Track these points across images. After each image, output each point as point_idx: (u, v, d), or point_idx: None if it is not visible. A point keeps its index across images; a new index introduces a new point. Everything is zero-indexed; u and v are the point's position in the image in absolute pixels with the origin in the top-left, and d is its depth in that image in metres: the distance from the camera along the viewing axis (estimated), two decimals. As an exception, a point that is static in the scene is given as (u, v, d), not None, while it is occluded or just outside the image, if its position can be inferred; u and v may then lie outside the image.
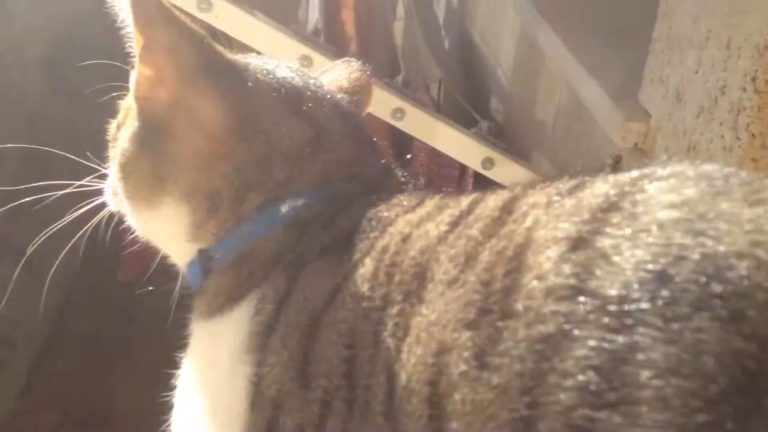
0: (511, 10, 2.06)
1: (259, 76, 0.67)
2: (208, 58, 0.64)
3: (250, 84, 0.66)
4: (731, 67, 0.99)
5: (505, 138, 1.87)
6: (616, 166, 1.33)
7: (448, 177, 1.68)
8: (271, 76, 0.67)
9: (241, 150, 0.64)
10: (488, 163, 1.29)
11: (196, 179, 0.65)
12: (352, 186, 0.65)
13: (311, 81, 0.70)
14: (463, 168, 1.63)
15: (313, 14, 2.09)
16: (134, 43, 0.65)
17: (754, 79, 0.93)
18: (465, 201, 0.55)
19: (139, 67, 0.64)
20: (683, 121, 1.11)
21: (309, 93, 0.68)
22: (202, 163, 0.65)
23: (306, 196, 0.63)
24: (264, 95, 0.66)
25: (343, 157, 0.66)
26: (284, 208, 0.63)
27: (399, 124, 1.26)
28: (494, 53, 2.22)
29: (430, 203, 0.57)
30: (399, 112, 1.24)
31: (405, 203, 0.59)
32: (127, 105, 0.70)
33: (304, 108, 0.67)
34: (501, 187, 0.63)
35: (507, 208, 0.49)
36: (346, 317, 0.53)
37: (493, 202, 0.51)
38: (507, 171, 1.30)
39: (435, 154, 1.69)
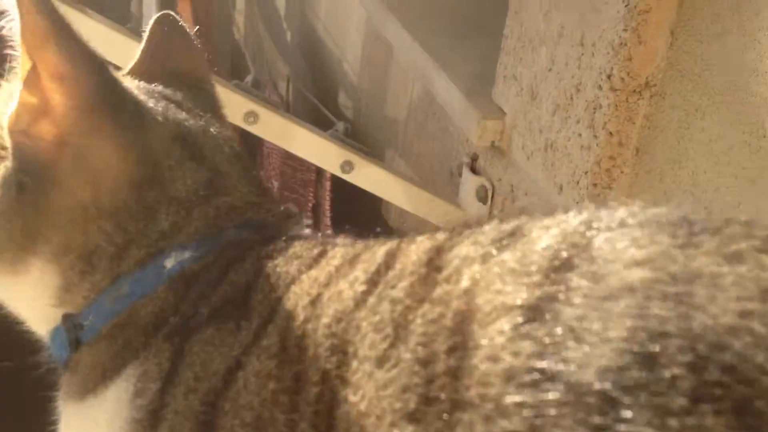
0: (356, 2, 2.02)
1: (153, 112, 0.57)
2: (106, 88, 0.54)
3: (147, 122, 0.56)
4: (586, 64, 0.98)
5: (357, 136, 1.82)
6: (473, 164, 1.32)
7: (305, 181, 1.62)
8: (165, 112, 0.58)
9: (131, 200, 0.54)
10: (347, 166, 1.24)
11: (73, 236, 0.54)
12: (246, 234, 0.56)
13: (202, 115, 0.61)
14: (320, 171, 1.57)
15: (149, 9, 1.95)
16: (16, 61, 0.53)
17: (609, 77, 0.93)
18: (379, 252, 0.46)
19: (22, 94, 0.52)
20: (539, 119, 1.10)
21: (204, 131, 0.59)
22: (83, 216, 0.54)
23: (193, 247, 0.54)
24: (162, 135, 0.57)
25: (238, 202, 0.57)
26: (169, 263, 0.53)
27: (252, 128, 1.18)
28: (340, 47, 2.17)
29: (336, 254, 0.49)
30: (252, 116, 1.16)
31: (305, 254, 0.51)
32: None
33: (202, 148, 0.58)
34: (362, 191, 0.58)
35: (434, 263, 0.42)
36: (250, 402, 0.44)
37: (415, 253, 0.44)
38: (367, 174, 1.26)
39: (288, 157, 1.62)
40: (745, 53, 0.79)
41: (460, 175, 1.35)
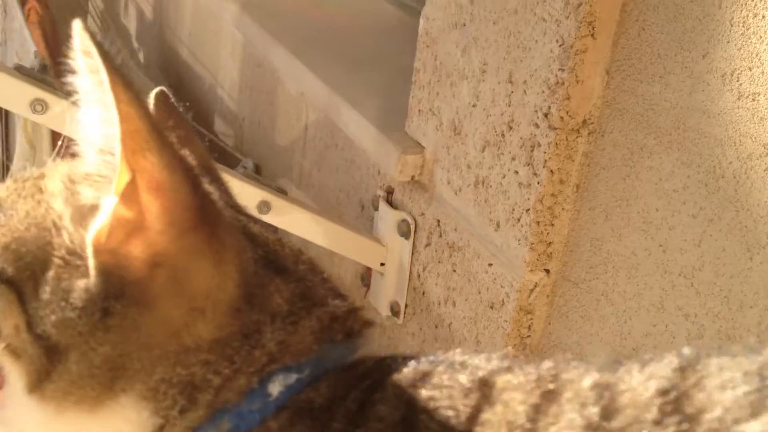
0: (227, 26, 1.93)
1: (236, 224, 0.50)
2: (203, 201, 0.46)
3: (237, 238, 0.49)
4: (517, 101, 0.98)
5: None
6: (389, 197, 1.29)
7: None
8: (240, 223, 0.51)
9: (234, 325, 0.47)
10: (264, 206, 1.18)
11: (172, 369, 0.46)
12: (350, 351, 0.49)
13: (254, 220, 0.54)
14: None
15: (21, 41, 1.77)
16: (111, 175, 0.45)
17: (546, 115, 0.94)
18: (584, 386, 0.41)
19: (117, 208, 0.44)
20: (465, 155, 1.09)
21: (274, 239, 0.53)
22: (182, 345, 0.46)
23: (299, 369, 0.47)
24: (250, 251, 0.49)
25: (335, 310, 0.51)
26: (274, 389, 0.46)
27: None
28: (212, 72, 2.08)
29: (511, 386, 0.43)
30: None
31: (460, 384, 0.44)
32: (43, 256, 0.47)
33: (282, 260, 0.51)
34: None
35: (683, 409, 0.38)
36: None
37: (643, 392, 0.39)
38: (284, 213, 1.20)
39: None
40: (692, 94, 0.81)
41: (375, 208, 1.32)
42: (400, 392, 0.45)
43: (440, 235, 1.17)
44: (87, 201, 0.47)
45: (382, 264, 1.30)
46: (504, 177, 1.02)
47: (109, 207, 0.45)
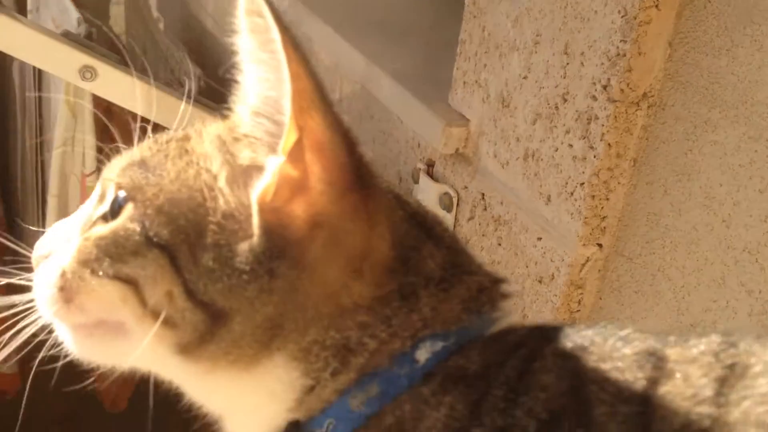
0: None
1: (387, 186, 0.50)
2: (360, 162, 0.46)
3: (389, 199, 0.49)
4: (573, 73, 0.97)
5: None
6: (430, 170, 1.28)
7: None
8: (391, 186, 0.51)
9: (391, 286, 0.47)
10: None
11: (328, 330, 0.46)
12: (492, 319, 0.49)
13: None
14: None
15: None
16: (265, 137, 0.45)
17: (606, 88, 0.92)
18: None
19: (283, 167, 0.44)
20: (514, 128, 1.08)
21: (419, 204, 0.53)
22: (339, 307, 0.46)
23: (446, 337, 0.46)
24: (402, 214, 0.49)
25: (484, 280, 0.50)
26: (421, 356, 0.45)
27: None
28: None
29: (682, 359, 0.41)
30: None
31: (623, 355, 0.43)
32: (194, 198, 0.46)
33: (431, 225, 0.51)
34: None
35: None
36: None
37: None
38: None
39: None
40: (761, 68, 0.79)
41: (415, 181, 1.31)
42: (562, 362, 0.44)
43: (485, 209, 1.16)
44: (243, 162, 0.47)
45: (422, 237, 1.29)
46: (557, 150, 1.01)
47: (275, 166, 0.45)
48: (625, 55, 0.90)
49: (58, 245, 0.51)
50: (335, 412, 0.46)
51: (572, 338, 0.45)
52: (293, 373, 0.47)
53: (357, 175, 0.46)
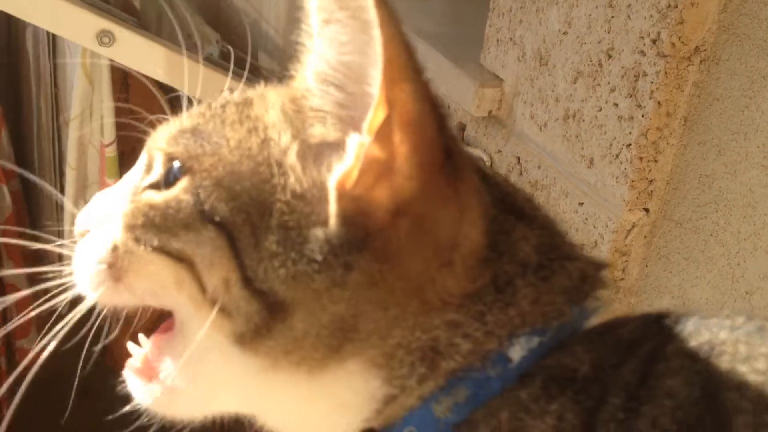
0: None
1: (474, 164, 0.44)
2: (448, 138, 0.41)
3: (479, 181, 0.43)
4: (619, 28, 0.91)
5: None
6: (461, 134, 1.23)
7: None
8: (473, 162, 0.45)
9: (485, 279, 0.41)
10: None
11: (410, 332, 0.40)
12: (592, 311, 0.43)
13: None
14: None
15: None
16: (335, 110, 0.39)
17: (655, 42, 0.86)
18: None
19: (370, 148, 0.39)
20: (553, 87, 1.02)
21: (501, 177, 0.47)
22: (425, 303, 0.40)
23: (542, 332, 0.40)
24: (488, 194, 0.43)
25: (586, 267, 0.44)
26: (515, 354, 0.40)
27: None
28: (255, 6, 2.00)
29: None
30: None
31: (757, 357, 0.37)
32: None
33: (521, 204, 0.45)
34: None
35: None
36: None
37: None
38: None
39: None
40: (831, 16, 0.73)
41: (445, 146, 1.26)
42: (689, 364, 0.38)
43: (521, 173, 1.11)
44: (313, 138, 0.41)
45: (453, 204, 1.25)
46: (600, 110, 0.95)
47: (358, 147, 0.39)
48: (676, 6, 0.84)
49: (102, 219, 0.46)
50: (417, 419, 0.40)
51: (695, 334, 0.40)
52: (373, 382, 0.41)
53: (447, 155, 0.40)
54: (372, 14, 0.36)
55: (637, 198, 0.94)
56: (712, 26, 0.85)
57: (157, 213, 0.42)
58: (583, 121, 0.98)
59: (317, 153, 0.41)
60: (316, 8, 0.39)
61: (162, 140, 0.45)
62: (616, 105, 0.93)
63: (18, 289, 2.01)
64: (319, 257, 0.40)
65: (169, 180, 0.44)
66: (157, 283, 0.43)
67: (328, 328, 0.40)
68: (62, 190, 1.68)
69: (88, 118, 1.37)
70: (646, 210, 0.95)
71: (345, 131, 0.40)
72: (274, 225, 0.40)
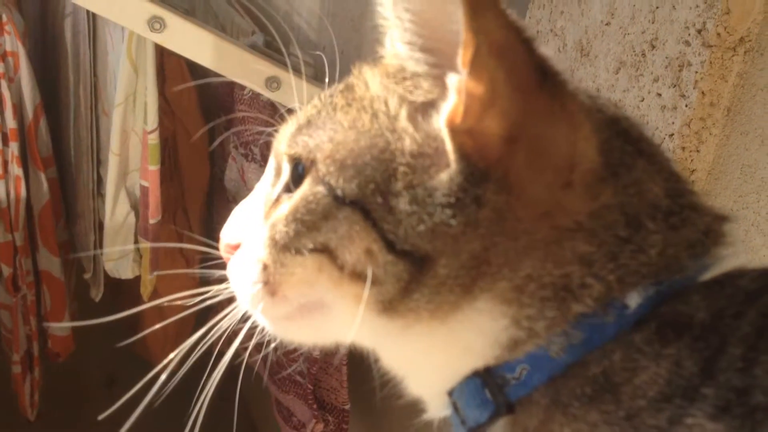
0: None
1: (579, 87, 0.45)
2: (540, 59, 0.42)
3: (584, 99, 0.44)
4: (664, 18, 0.92)
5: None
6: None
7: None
8: (593, 96, 0.47)
9: (611, 206, 0.41)
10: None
11: (542, 264, 0.41)
12: (712, 264, 0.43)
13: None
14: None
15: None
16: (428, 70, 0.42)
17: (700, 32, 0.87)
18: None
19: (467, 83, 0.40)
20: (595, 78, 1.03)
21: (616, 107, 0.47)
22: (554, 228, 0.41)
23: (659, 282, 0.41)
24: (598, 115, 0.44)
25: (708, 217, 0.44)
26: (632, 301, 0.40)
27: (274, 96, 1.05)
28: (288, 0, 2.02)
29: None
30: (275, 82, 1.03)
31: None
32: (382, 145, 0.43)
33: (638, 137, 0.46)
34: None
35: None
36: None
37: None
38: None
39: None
40: None
41: (482, 137, 1.27)
42: None
43: (559, 164, 1.12)
44: (417, 99, 0.44)
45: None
46: (642, 100, 0.96)
47: (457, 83, 0.41)
48: (723, -4, 0.84)
49: (247, 233, 0.48)
50: (531, 358, 0.41)
51: None
52: (501, 321, 0.42)
53: (543, 74, 0.42)
54: None
55: (679, 187, 0.94)
56: (757, 17, 0.86)
57: (298, 215, 0.44)
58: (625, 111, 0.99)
59: (423, 111, 0.43)
60: None
61: (283, 143, 0.48)
62: (659, 95, 0.94)
63: (52, 276, 2.04)
64: (452, 200, 0.41)
65: (297, 178, 0.46)
66: (305, 283, 0.45)
67: (465, 267, 0.41)
68: (99, 180, 1.70)
69: (131, 105, 1.39)
70: (687, 200, 0.96)
71: (443, 79, 0.42)
72: (401, 188, 0.42)
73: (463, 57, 0.40)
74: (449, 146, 0.42)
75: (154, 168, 1.44)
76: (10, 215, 1.70)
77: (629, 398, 0.38)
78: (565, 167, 0.42)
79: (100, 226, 1.65)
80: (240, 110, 1.66)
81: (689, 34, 0.89)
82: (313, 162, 0.45)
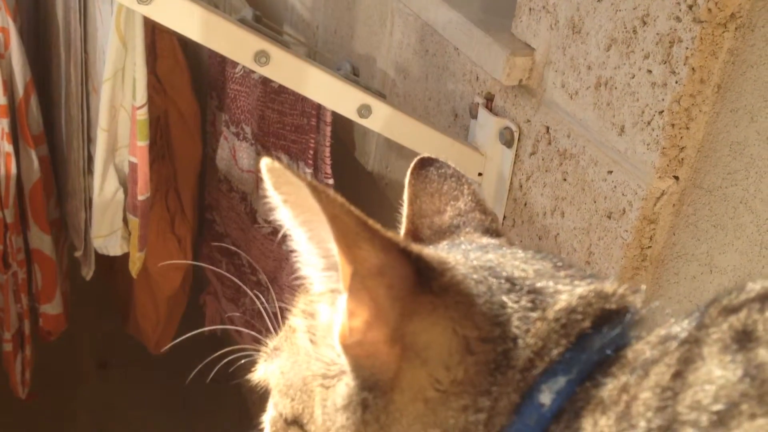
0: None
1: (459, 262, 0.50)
2: (418, 262, 0.46)
3: (462, 283, 0.47)
4: (654, -6, 0.91)
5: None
6: (489, 104, 1.23)
7: (297, 126, 1.48)
8: (472, 256, 0.51)
9: (480, 360, 0.45)
10: (365, 110, 1.13)
11: (431, 428, 0.45)
12: (613, 336, 0.45)
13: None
14: (320, 117, 1.44)
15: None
16: (324, 265, 0.48)
17: (691, 8, 0.87)
18: None
19: (348, 304, 0.45)
20: (586, 55, 1.03)
21: (502, 251, 0.52)
22: (434, 404, 0.45)
23: (563, 370, 0.43)
24: (474, 291, 0.47)
25: (576, 301, 0.47)
26: (545, 398, 0.43)
27: (263, 71, 1.05)
28: (283, -21, 2.01)
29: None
30: (263, 56, 1.03)
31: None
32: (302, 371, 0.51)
33: (510, 275, 0.49)
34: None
35: None
36: None
37: None
38: (384, 118, 1.15)
39: (272, 101, 1.49)
40: None
41: (473, 116, 1.26)
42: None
43: (549, 143, 1.12)
44: (325, 320, 0.49)
45: (480, 174, 1.25)
46: (633, 77, 0.95)
47: (343, 304, 0.46)
48: (714, -28, 0.84)
49: None
50: None
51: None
52: None
53: (422, 279, 0.46)
54: (315, 205, 0.43)
55: (668, 165, 0.94)
56: (749, -8, 0.85)
57: None
58: (615, 88, 0.98)
59: (330, 330, 0.49)
60: (286, 222, 0.47)
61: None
62: (649, 71, 0.93)
63: (44, 255, 2.03)
64: (343, 403, 0.47)
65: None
66: None
67: None
68: (89, 158, 1.69)
69: (120, 80, 1.38)
70: (676, 178, 0.95)
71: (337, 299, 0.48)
72: (318, 402, 0.49)
73: (342, 281, 0.45)
74: (343, 359, 0.47)
75: (142, 144, 1.44)
76: (0, 192, 1.69)
77: None
78: (438, 352, 0.45)
79: (91, 205, 1.64)
80: (232, 89, 1.65)
81: (680, 10, 0.88)
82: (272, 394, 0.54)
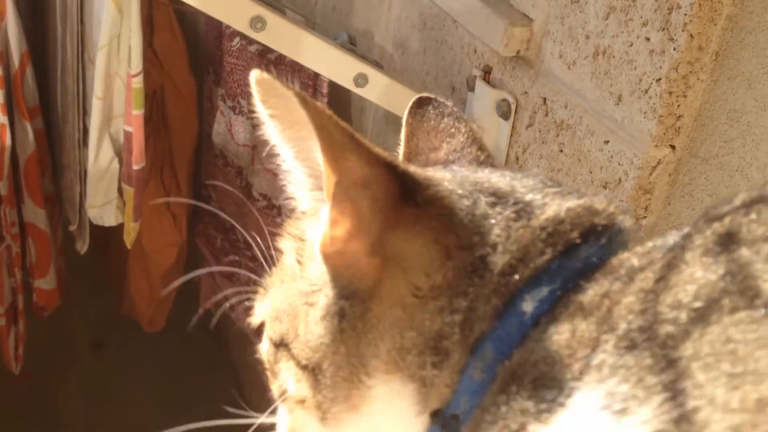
0: None
1: (445, 177, 0.50)
2: (403, 178, 0.46)
3: (448, 191, 0.48)
4: (654, -39, 0.91)
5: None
6: (487, 76, 1.23)
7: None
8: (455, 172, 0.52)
9: (459, 266, 0.45)
10: (362, 79, 1.13)
11: (408, 335, 0.46)
12: (598, 250, 0.45)
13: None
14: (315, 88, 1.44)
15: None
16: (311, 184, 0.49)
17: (691, -26, 0.86)
18: None
19: (332, 212, 0.46)
20: (584, 24, 1.02)
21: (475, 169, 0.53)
22: (412, 310, 0.46)
23: (547, 280, 0.43)
24: (457, 208, 0.47)
25: (580, 209, 0.47)
26: (527, 307, 0.43)
27: (258, 36, 1.04)
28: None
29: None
30: (259, 21, 1.02)
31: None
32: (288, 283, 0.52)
33: (501, 190, 0.49)
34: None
35: None
36: None
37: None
38: (380, 87, 1.15)
39: (267, 73, 1.48)
40: None
41: (470, 89, 1.26)
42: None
43: (546, 114, 1.11)
44: (309, 238, 0.50)
45: (476, 147, 1.25)
46: (631, 45, 0.95)
47: (326, 214, 0.46)
48: (714, -63, 0.83)
49: None
50: (463, 389, 0.44)
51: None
52: (399, 386, 0.46)
53: (405, 193, 0.46)
54: (304, 116, 0.43)
55: (664, 134, 0.94)
56: (749, -42, 0.85)
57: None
58: (613, 57, 0.98)
59: (312, 248, 0.49)
60: (273, 136, 0.47)
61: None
62: (647, 39, 0.93)
63: (38, 229, 2.02)
64: (321, 313, 0.48)
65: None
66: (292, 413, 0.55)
67: (343, 373, 0.47)
68: (85, 131, 1.69)
69: (116, 48, 1.37)
70: (673, 147, 0.95)
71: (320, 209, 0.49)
72: (301, 319, 0.49)
73: (326, 191, 0.45)
74: (323, 268, 0.48)
75: (137, 112, 1.43)
76: (-6, 163, 1.69)
77: (531, 373, 0.41)
78: (418, 261, 0.46)
79: (87, 177, 1.64)
80: (228, 62, 1.64)
81: (679, -24, 0.87)
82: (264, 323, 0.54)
